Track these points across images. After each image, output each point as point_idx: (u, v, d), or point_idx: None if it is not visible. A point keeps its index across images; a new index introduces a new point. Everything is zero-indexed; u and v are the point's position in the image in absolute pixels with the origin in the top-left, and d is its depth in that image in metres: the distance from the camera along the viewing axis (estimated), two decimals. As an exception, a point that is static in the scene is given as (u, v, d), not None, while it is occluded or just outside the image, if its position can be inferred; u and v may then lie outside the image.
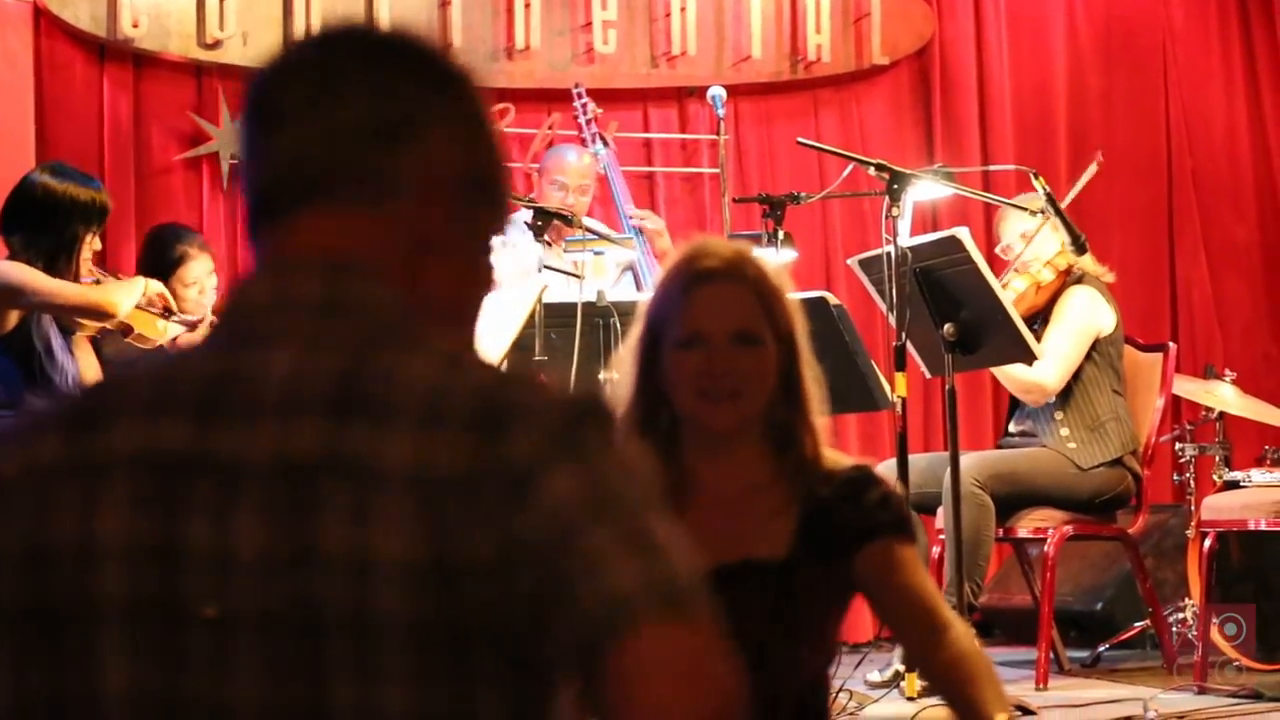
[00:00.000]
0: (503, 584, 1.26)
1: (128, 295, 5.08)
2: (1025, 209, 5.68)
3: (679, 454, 2.60)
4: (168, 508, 1.30)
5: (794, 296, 2.69)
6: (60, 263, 4.94)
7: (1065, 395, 5.75)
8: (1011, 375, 5.68)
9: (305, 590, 1.27)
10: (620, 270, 6.45)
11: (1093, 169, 5.87)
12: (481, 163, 1.47)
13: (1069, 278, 5.80)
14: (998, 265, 5.94)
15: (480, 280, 1.49)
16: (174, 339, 5.31)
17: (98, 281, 5.20)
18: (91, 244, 5.02)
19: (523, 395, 1.32)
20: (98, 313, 4.95)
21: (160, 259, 5.62)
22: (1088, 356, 5.76)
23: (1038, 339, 5.46)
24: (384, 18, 6.88)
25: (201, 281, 5.64)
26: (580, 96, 6.73)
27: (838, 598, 2.57)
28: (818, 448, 2.61)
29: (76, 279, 4.99)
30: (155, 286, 5.21)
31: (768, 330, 2.59)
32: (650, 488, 1.34)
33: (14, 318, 4.89)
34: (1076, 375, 5.74)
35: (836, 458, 2.63)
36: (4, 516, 1.34)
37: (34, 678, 1.31)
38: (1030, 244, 5.77)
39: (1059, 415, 5.75)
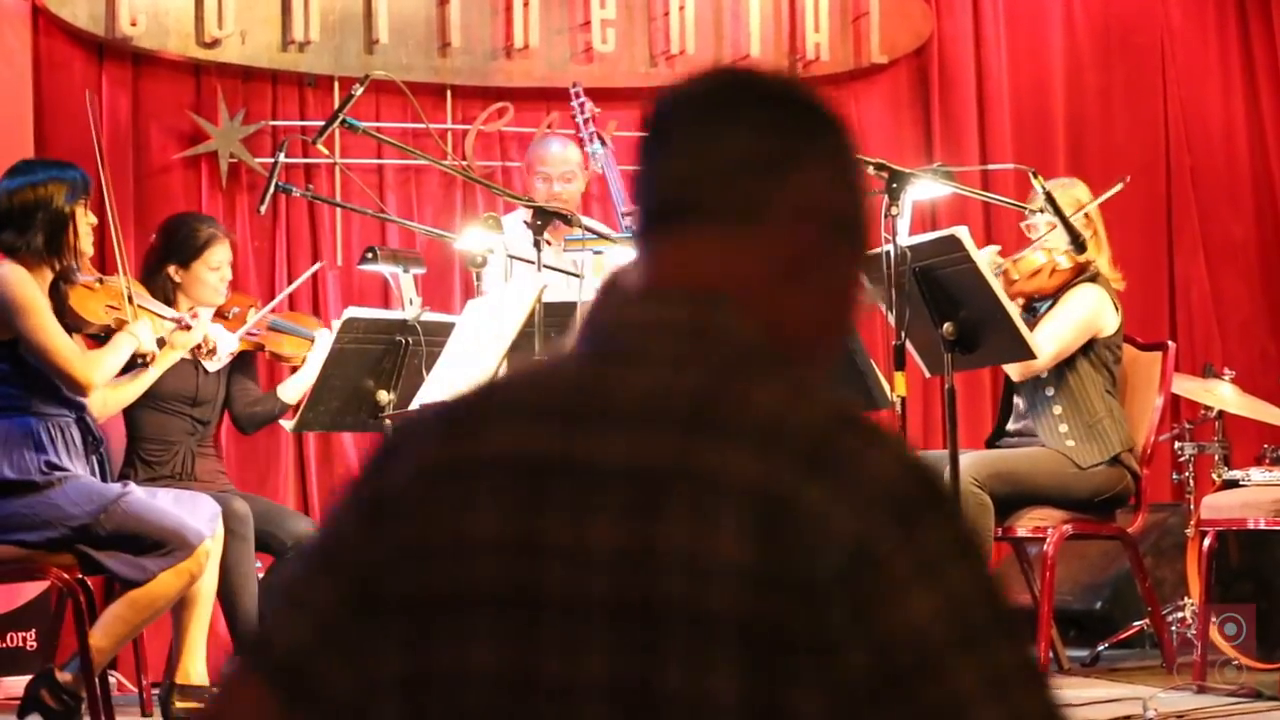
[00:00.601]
0: (819, 608, 1.37)
1: (110, 363, 5.07)
2: (1026, 208, 5.68)
3: None
4: (534, 506, 1.45)
5: None
6: (60, 240, 4.93)
7: (1064, 392, 5.75)
8: None
9: (648, 584, 1.39)
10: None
11: (1118, 187, 5.85)
12: (846, 204, 1.59)
13: (1083, 274, 5.80)
14: (1021, 241, 5.96)
15: (838, 320, 1.58)
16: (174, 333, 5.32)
17: (100, 281, 5.20)
18: (86, 217, 5.01)
19: (856, 445, 1.42)
20: (70, 382, 4.92)
21: (188, 243, 5.61)
22: (1085, 354, 5.76)
23: (1040, 321, 5.49)
24: (383, 19, 6.88)
25: (224, 268, 5.66)
26: (578, 96, 6.72)
27: None
28: None
29: (77, 255, 4.99)
30: (146, 346, 5.20)
31: None
32: (979, 571, 1.42)
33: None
34: (1074, 371, 5.75)
35: None
36: (392, 517, 1.50)
37: (412, 658, 1.47)
38: (1055, 230, 5.75)
39: (1058, 411, 5.76)
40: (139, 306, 5.21)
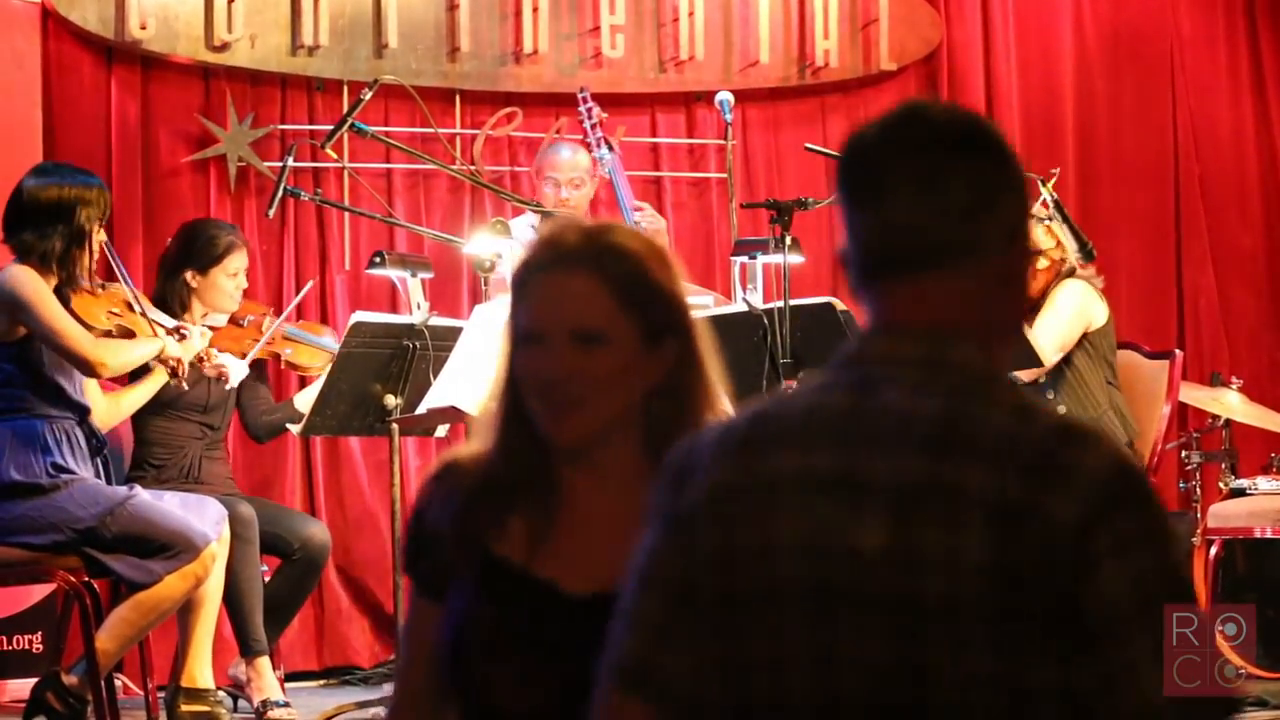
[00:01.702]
0: (1052, 594, 1.68)
1: (127, 355, 5.07)
2: (1034, 215, 5.68)
3: (550, 463, 2.24)
4: (822, 516, 1.73)
5: (692, 288, 2.38)
6: (74, 254, 4.94)
7: (1064, 389, 5.76)
8: None
9: (913, 582, 1.68)
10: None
11: (1046, 188, 5.83)
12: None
13: (1062, 269, 5.81)
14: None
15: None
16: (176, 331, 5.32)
17: (103, 287, 5.21)
18: (99, 235, 5.02)
19: (1074, 454, 1.70)
20: (82, 363, 4.91)
21: (208, 250, 5.62)
22: (1081, 348, 5.76)
23: (1032, 326, 5.50)
24: (392, 23, 6.88)
25: (241, 276, 5.67)
26: (585, 101, 6.73)
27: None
28: None
29: (91, 274, 5.00)
30: (172, 350, 5.20)
31: (624, 326, 2.18)
32: (1177, 575, 1.73)
33: (22, 328, 4.89)
34: (1072, 366, 5.75)
35: None
36: (697, 529, 1.78)
37: (731, 646, 1.75)
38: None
39: (1060, 409, 5.76)
40: (140, 315, 5.21)
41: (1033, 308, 5.75)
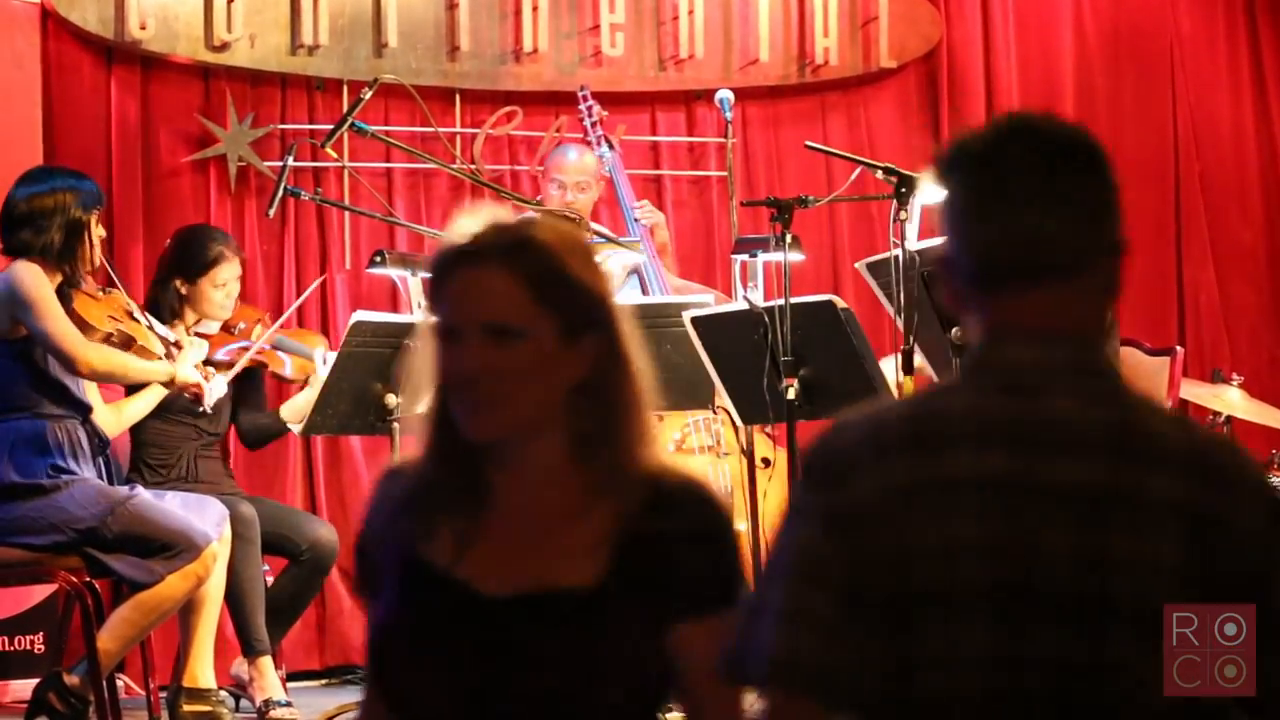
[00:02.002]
0: (1235, 595, 1.77)
1: (116, 362, 5.07)
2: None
3: (478, 464, 2.19)
4: (1003, 517, 1.76)
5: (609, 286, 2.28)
6: (75, 247, 4.95)
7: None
8: None
9: (1102, 582, 1.74)
10: (625, 273, 6.45)
11: None
12: (1122, 222, 1.95)
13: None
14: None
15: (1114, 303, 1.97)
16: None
17: (105, 291, 5.21)
18: (98, 229, 5.02)
19: (1237, 462, 1.82)
20: (66, 358, 4.91)
21: (197, 258, 5.63)
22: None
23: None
24: (392, 22, 6.88)
25: (230, 285, 5.66)
26: (585, 99, 6.73)
27: (656, 637, 2.12)
28: (632, 455, 2.18)
29: (92, 263, 5.01)
30: (187, 377, 5.21)
31: (541, 322, 2.13)
32: None
33: (24, 328, 4.90)
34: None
35: (665, 467, 2.21)
36: (868, 527, 1.79)
37: (905, 645, 1.77)
38: None
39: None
40: (142, 324, 5.22)
41: None
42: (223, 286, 5.64)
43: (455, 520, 2.17)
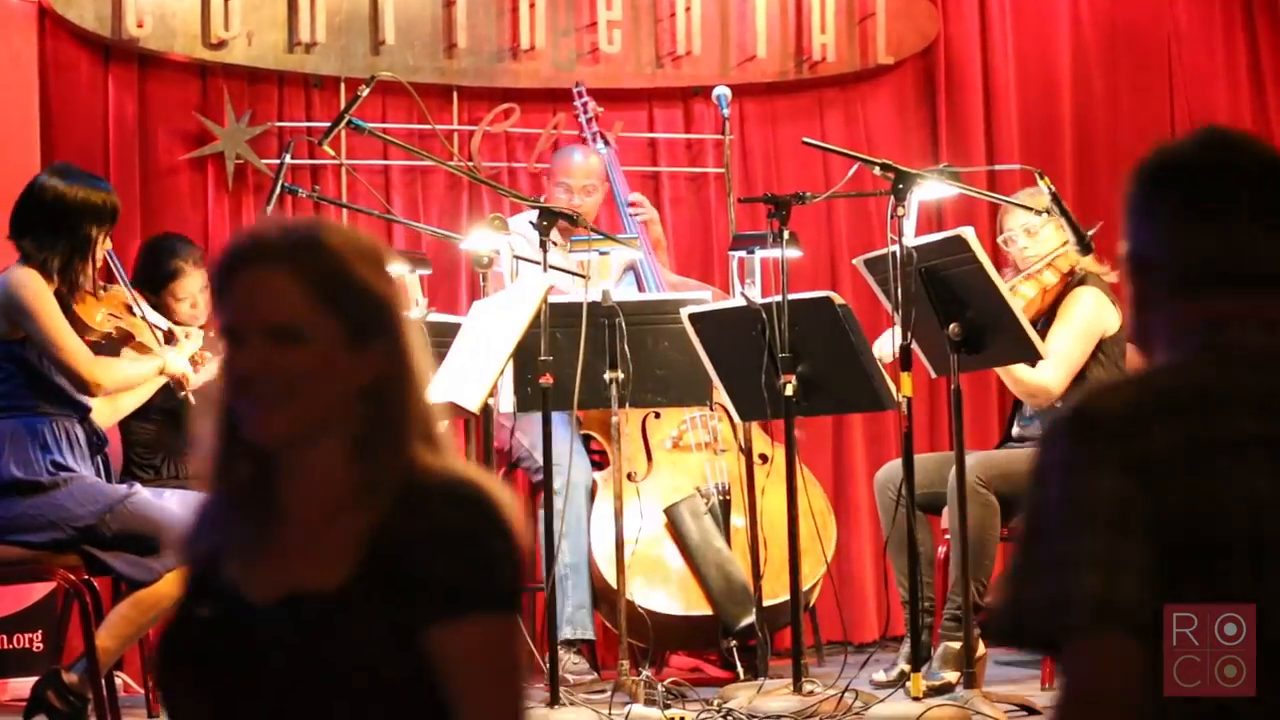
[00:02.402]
0: None
1: (123, 374, 5.08)
2: (1030, 208, 5.67)
3: (265, 466, 2.15)
4: None
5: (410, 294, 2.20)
6: (75, 265, 4.95)
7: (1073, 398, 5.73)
8: (1017, 377, 5.66)
9: None
10: (622, 270, 6.46)
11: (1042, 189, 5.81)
12: None
13: (1072, 278, 5.78)
14: (1000, 258, 5.94)
15: None
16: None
17: (104, 288, 5.21)
18: (104, 245, 5.03)
19: None
20: (78, 381, 4.92)
21: (155, 271, 5.66)
22: (1094, 358, 5.74)
23: (1042, 339, 5.45)
24: (389, 20, 6.88)
25: (194, 296, 5.67)
26: (581, 95, 6.74)
27: (406, 640, 2.05)
28: (409, 459, 2.12)
29: (94, 281, 5.01)
30: (175, 367, 5.21)
31: (324, 324, 2.10)
32: None
33: (23, 330, 4.90)
34: (1085, 377, 5.72)
35: (438, 469, 2.13)
36: (1169, 476, 1.88)
37: (1208, 590, 1.86)
38: (1034, 239, 5.76)
39: (1071, 418, 5.73)
40: (139, 318, 5.22)
41: (1045, 318, 5.71)
42: (185, 299, 5.66)
43: (245, 527, 2.14)
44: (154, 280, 5.64)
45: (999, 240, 5.98)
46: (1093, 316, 5.74)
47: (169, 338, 5.32)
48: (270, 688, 2.06)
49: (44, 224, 4.94)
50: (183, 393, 5.28)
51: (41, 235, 4.92)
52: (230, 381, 2.12)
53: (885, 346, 5.36)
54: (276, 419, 2.09)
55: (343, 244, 2.14)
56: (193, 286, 5.66)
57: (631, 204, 6.55)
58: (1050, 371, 5.60)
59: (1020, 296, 5.60)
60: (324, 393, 2.10)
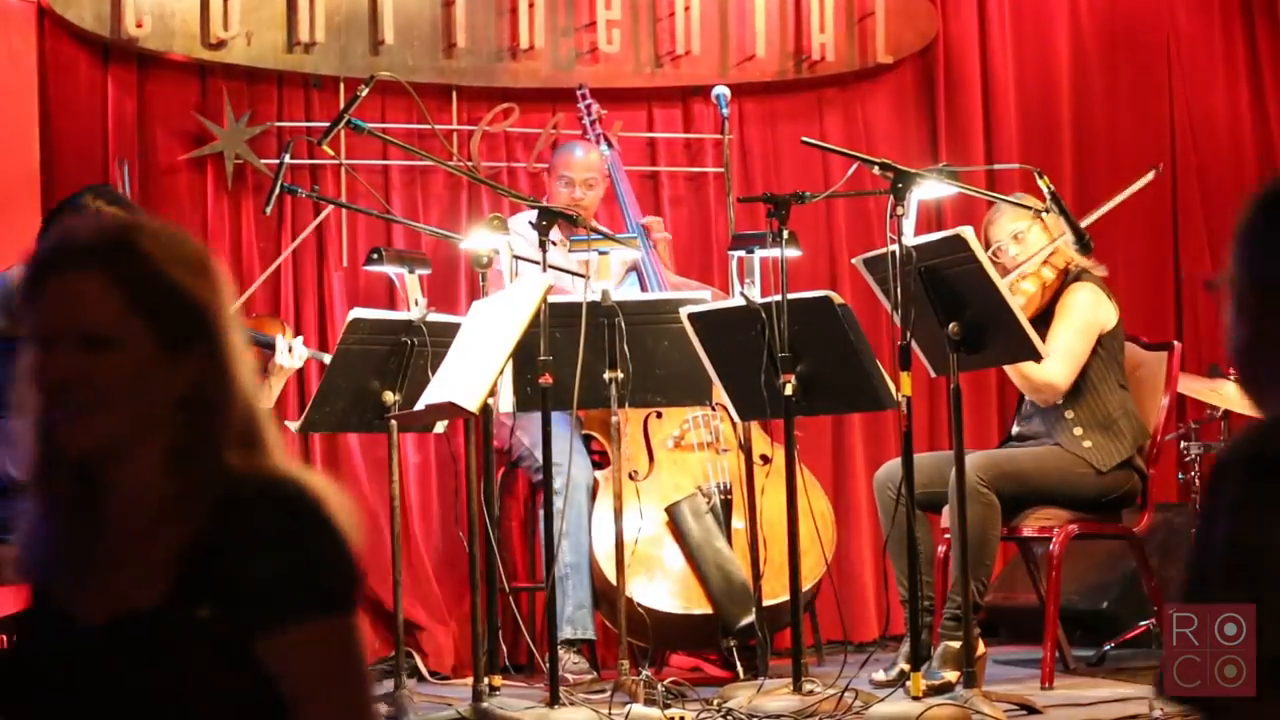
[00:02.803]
0: None
1: None
2: (1030, 208, 5.67)
3: (86, 477, 2.06)
4: None
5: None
6: None
7: (1075, 394, 5.74)
8: (1025, 374, 5.67)
9: None
10: (625, 270, 6.46)
11: (1149, 176, 5.80)
12: None
13: (1067, 275, 5.79)
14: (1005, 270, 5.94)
15: None
16: None
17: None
18: None
19: None
20: None
21: None
22: (1094, 354, 5.75)
23: (1041, 338, 5.45)
24: (388, 19, 6.88)
25: None
26: (584, 97, 6.74)
27: (236, 652, 1.96)
28: (229, 464, 2.04)
29: None
30: None
31: (137, 331, 2.01)
32: None
33: None
34: (1084, 373, 5.73)
35: (267, 473, 2.07)
36: None
37: None
38: (1022, 244, 5.77)
39: (1069, 415, 5.74)
40: None
41: (1042, 316, 5.72)
42: None
43: (70, 543, 2.07)
44: None
45: (988, 253, 5.98)
46: (1091, 312, 5.75)
47: None
48: (99, 713, 1.98)
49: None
50: None
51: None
52: (40, 390, 2.02)
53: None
54: (87, 429, 2.00)
55: (158, 247, 2.04)
56: None
57: (645, 226, 6.55)
58: (1056, 367, 5.62)
59: (1021, 294, 5.61)
60: (137, 402, 2.01)
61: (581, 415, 6.07)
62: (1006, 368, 5.75)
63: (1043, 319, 5.72)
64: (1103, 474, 5.70)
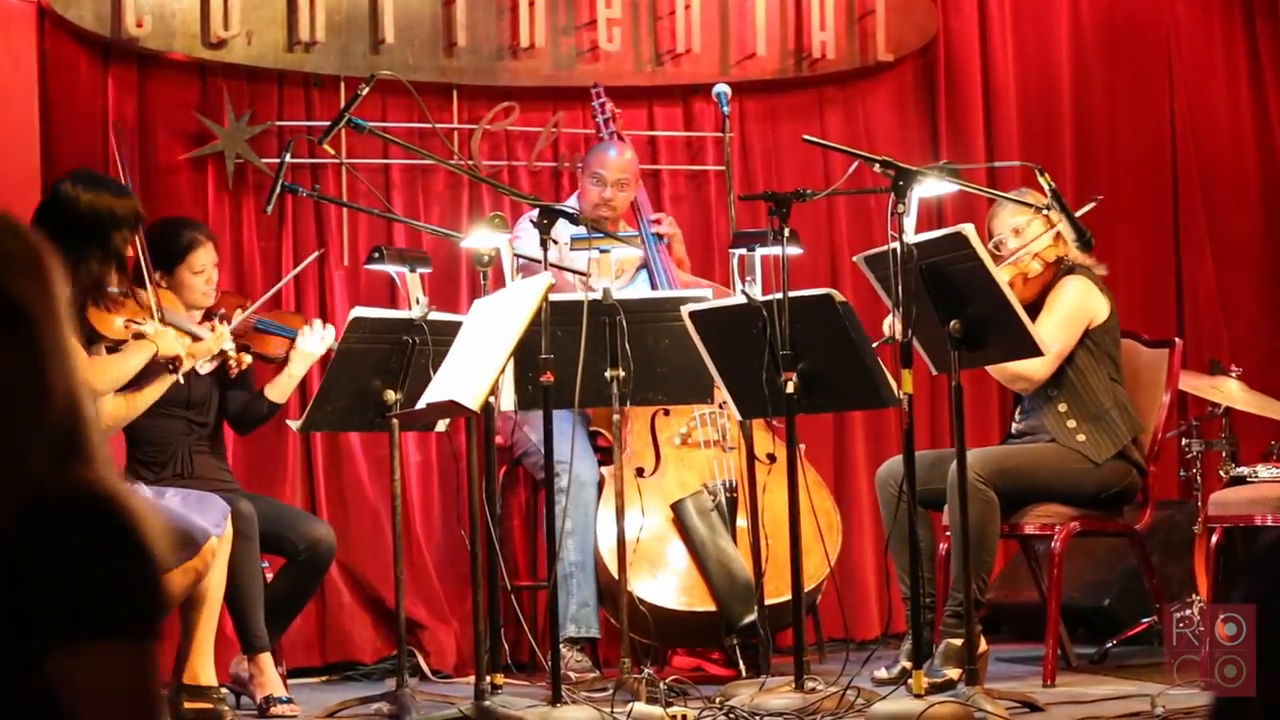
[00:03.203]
0: None
1: (116, 371, 5.11)
2: (1031, 205, 5.67)
3: None
4: None
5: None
6: (101, 271, 4.98)
7: (1065, 388, 5.75)
8: (1001, 364, 5.66)
9: None
10: (635, 269, 6.46)
11: (1090, 206, 5.79)
12: None
13: (1059, 269, 5.80)
14: (999, 258, 5.94)
15: None
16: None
17: (125, 294, 5.22)
18: (129, 250, 5.06)
19: None
20: None
21: (170, 246, 5.65)
22: (1082, 345, 5.75)
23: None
24: (388, 18, 6.88)
25: (208, 270, 5.68)
26: (598, 95, 6.74)
27: (23, 680, 1.81)
28: (37, 472, 1.85)
29: (130, 287, 5.04)
30: (168, 349, 5.23)
31: None
32: None
33: None
34: (1073, 365, 5.74)
35: (78, 484, 1.87)
36: None
37: None
38: (1024, 238, 5.78)
39: (1062, 408, 5.75)
40: (165, 322, 5.25)
41: (1033, 309, 5.72)
42: (201, 273, 5.66)
43: None
44: (170, 255, 5.64)
45: (990, 246, 5.98)
46: (1078, 303, 5.75)
47: (195, 341, 5.36)
48: None
49: (71, 232, 4.96)
50: (171, 373, 5.29)
51: (68, 244, 4.93)
52: None
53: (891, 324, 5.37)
54: None
55: None
56: (206, 259, 5.68)
57: (654, 221, 6.56)
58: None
59: None
60: None
61: (589, 412, 6.08)
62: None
63: (1033, 311, 5.73)
64: (1099, 467, 5.70)
